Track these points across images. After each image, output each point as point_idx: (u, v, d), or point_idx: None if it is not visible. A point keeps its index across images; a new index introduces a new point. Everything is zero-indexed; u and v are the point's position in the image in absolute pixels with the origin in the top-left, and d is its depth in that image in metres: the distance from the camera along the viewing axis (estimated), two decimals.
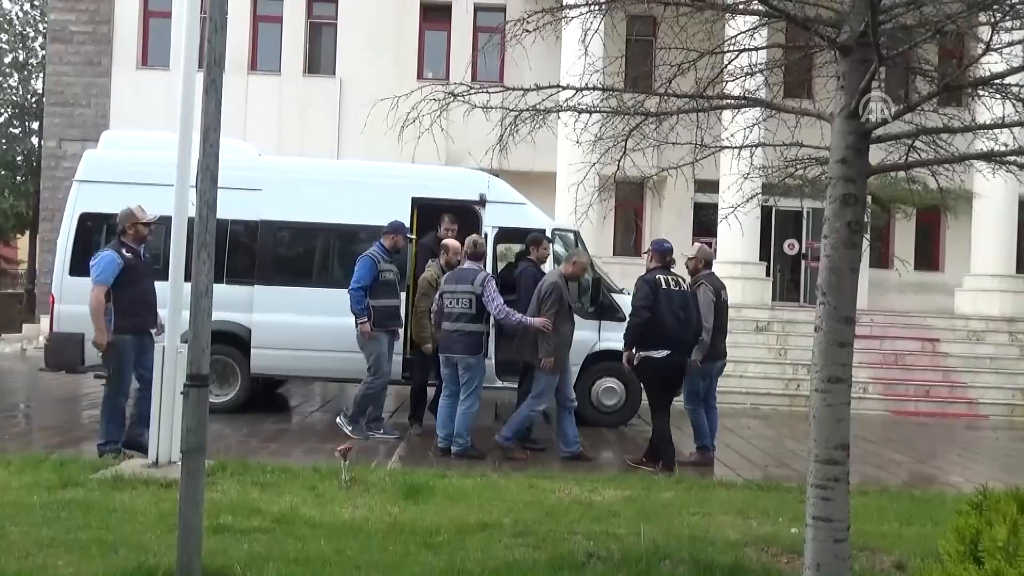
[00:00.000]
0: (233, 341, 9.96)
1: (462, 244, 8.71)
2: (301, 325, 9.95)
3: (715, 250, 17.00)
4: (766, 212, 14.49)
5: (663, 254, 8.01)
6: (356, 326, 8.70)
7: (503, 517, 5.69)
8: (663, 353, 7.69)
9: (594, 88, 5.25)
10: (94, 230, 10.29)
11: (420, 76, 19.16)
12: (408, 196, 10.18)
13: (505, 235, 10.62)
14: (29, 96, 25.77)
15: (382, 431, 8.93)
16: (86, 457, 7.23)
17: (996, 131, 4.50)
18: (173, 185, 6.64)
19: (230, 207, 8.54)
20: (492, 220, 10.32)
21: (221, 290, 8.61)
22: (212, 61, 4.11)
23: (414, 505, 5.96)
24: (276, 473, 6.69)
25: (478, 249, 8.36)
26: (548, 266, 9.24)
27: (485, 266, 8.68)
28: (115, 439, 7.34)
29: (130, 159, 10.27)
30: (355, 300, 8.69)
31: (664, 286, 7.77)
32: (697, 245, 8.74)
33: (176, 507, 4.16)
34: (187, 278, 4.95)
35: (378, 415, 9.05)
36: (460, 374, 8.12)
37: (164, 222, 7.42)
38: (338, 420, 8.96)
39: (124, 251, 7.45)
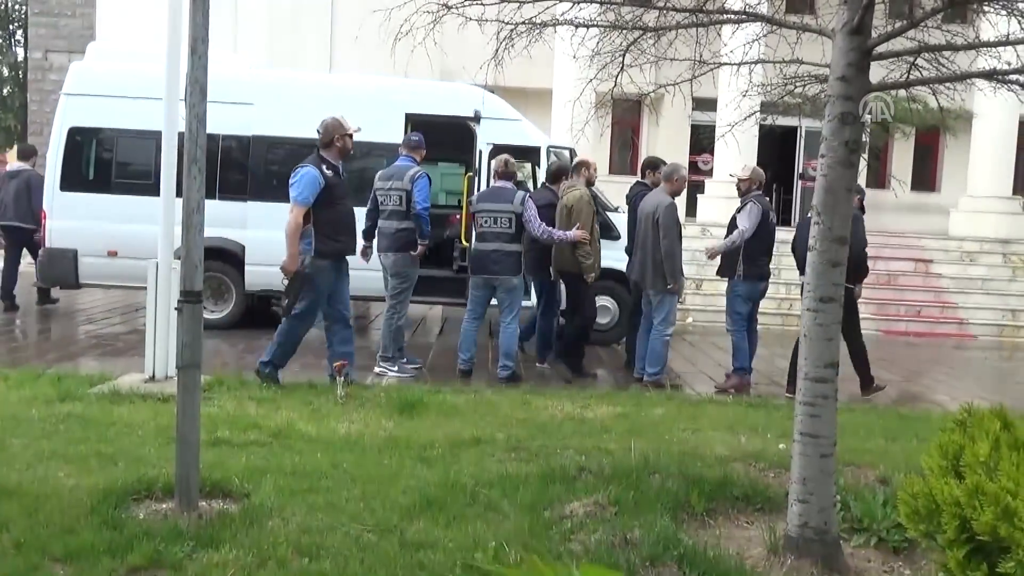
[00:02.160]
0: (227, 258, 9.94)
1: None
2: None
3: (711, 169, 16.93)
4: (764, 131, 14.36)
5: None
6: (416, 249, 7.99)
7: (496, 432, 5.78)
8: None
9: (592, 1, 5.12)
10: (83, 145, 10.18)
11: None
12: (402, 111, 10.05)
13: (499, 152, 10.49)
14: (11, 2, 25.11)
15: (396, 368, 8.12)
16: (83, 372, 7.29)
17: (1000, 49, 4.41)
18: (162, 99, 6.52)
19: (221, 122, 8.41)
20: (487, 137, 10.21)
21: (213, 206, 8.56)
22: None
23: (409, 420, 6.05)
24: (272, 389, 6.77)
25: (509, 168, 8.15)
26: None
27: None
28: (279, 365, 7.04)
29: (118, 71, 10.07)
30: (426, 222, 7.99)
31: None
32: (751, 166, 8.52)
33: (173, 421, 4.22)
34: (179, 194, 4.92)
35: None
36: (501, 296, 7.96)
37: (154, 136, 7.33)
38: (377, 369, 8.05)
39: (325, 168, 6.96)
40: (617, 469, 4.72)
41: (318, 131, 7.10)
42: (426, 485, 4.51)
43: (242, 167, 10.18)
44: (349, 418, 6.03)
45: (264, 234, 9.84)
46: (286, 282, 6.87)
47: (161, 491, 4.23)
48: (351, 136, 7.19)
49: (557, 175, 8.75)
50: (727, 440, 5.86)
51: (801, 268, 7.48)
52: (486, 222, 7.91)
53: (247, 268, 9.99)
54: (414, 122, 9.99)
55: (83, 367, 7.73)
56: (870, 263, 8.69)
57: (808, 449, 3.83)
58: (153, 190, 7.50)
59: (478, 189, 10.19)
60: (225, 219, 9.55)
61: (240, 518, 3.95)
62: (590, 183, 8.80)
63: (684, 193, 9.36)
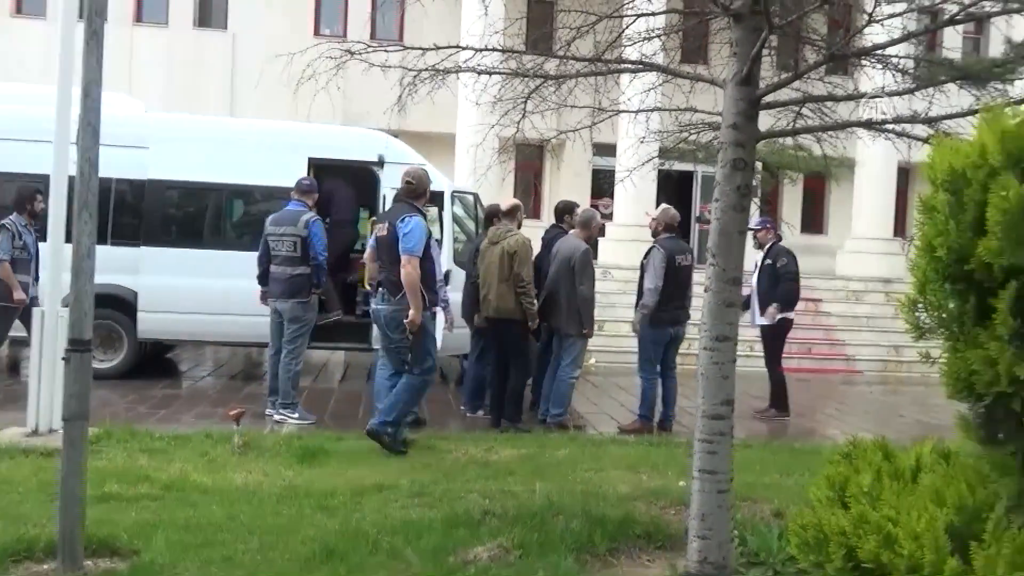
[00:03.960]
0: (118, 305, 9.57)
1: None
2: (191, 288, 9.63)
3: (611, 213, 17.31)
4: (662, 176, 14.81)
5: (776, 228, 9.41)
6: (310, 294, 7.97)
7: (400, 478, 5.70)
8: (793, 314, 9.32)
9: (494, 49, 5.23)
10: None
11: (316, 32, 18.64)
12: (305, 156, 9.93)
13: None
14: None
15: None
16: None
17: (877, 100, 4.69)
18: (52, 141, 6.31)
19: (114, 165, 8.16)
20: (391, 182, 10.16)
21: (105, 252, 8.26)
22: (93, 11, 3.89)
23: (309, 469, 5.91)
24: (165, 439, 6.52)
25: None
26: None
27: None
28: (398, 423, 6.70)
29: (6, 114, 9.68)
30: (324, 270, 8.06)
31: None
32: (662, 206, 8.63)
33: (57, 476, 4.01)
34: (68, 239, 4.73)
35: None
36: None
37: (42, 180, 7.06)
38: (276, 417, 7.88)
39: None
40: (521, 511, 4.71)
41: (410, 181, 6.72)
42: (327, 534, 4.40)
43: (136, 211, 9.87)
44: (247, 468, 5.85)
45: (158, 280, 9.56)
46: (410, 336, 6.57)
47: (43, 551, 4.00)
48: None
49: (489, 217, 8.68)
50: (629, 479, 5.93)
51: None
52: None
53: (140, 315, 9.64)
54: (317, 167, 9.91)
55: None
56: None
57: (706, 485, 3.91)
58: (41, 235, 7.20)
59: None
60: (117, 265, 9.20)
61: None
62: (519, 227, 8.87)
63: None
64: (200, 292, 9.62)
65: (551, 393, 8.11)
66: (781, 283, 9.19)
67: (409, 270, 6.42)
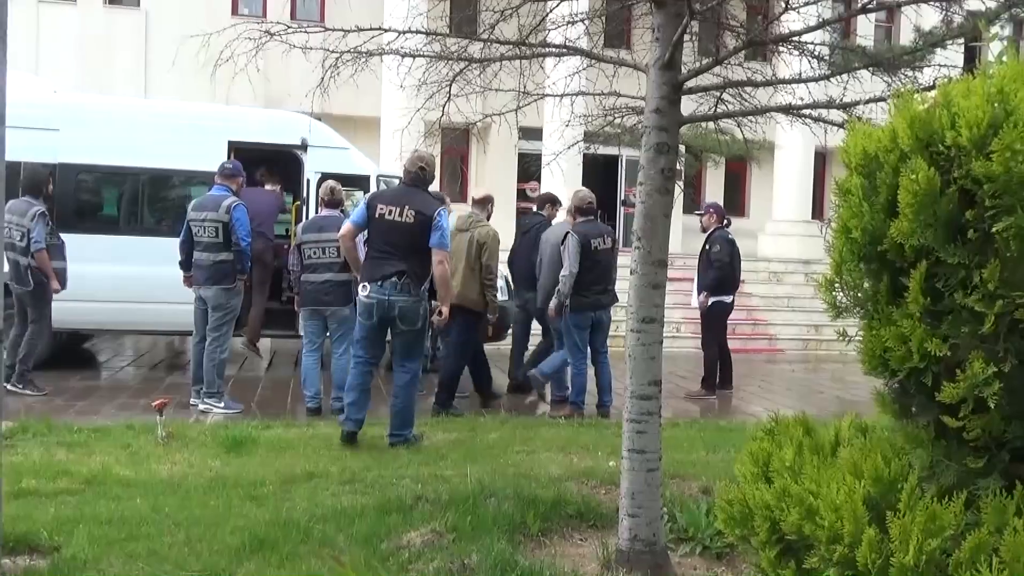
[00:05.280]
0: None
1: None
2: (107, 276, 9.34)
3: (538, 196, 17.35)
4: (588, 160, 14.92)
5: (723, 214, 9.74)
6: (235, 281, 7.78)
7: (330, 466, 5.66)
8: (730, 298, 9.63)
9: (417, 32, 5.18)
10: None
11: (235, 12, 18.20)
12: (224, 139, 9.71)
13: (328, 180, 10.37)
14: None
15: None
16: None
17: (794, 85, 4.81)
18: None
19: (22, 148, 7.84)
20: (315, 165, 10.05)
21: None
22: None
23: (237, 458, 5.82)
24: (85, 432, 6.33)
25: (335, 196, 7.89)
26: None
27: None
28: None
29: None
30: (247, 256, 7.84)
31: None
32: (577, 189, 8.66)
33: None
34: None
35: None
36: (333, 327, 7.68)
37: None
38: (201, 406, 7.72)
39: None
40: (454, 495, 4.73)
41: (424, 168, 6.41)
42: (256, 524, 4.34)
43: (46, 196, 9.50)
44: (172, 459, 5.73)
45: (73, 268, 9.23)
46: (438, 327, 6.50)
47: None
48: None
49: (482, 204, 8.44)
50: (560, 460, 6.00)
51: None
52: (313, 253, 7.65)
53: (55, 304, 9.30)
54: (237, 150, 9.69)
55: None
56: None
57: (636, 464, 3.98)
58: None
59: (306, 218, 10.01)
60: None
61: (49, 574, 3.66)
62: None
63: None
64: (117, 279, 9.34)
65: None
66: (711, 269, 9.40)
67: (446, 266, 6.25)
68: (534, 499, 4.65)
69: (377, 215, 6.27)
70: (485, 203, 8.36)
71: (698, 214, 10.29)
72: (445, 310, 6.27)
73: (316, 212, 10.03)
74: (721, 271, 9.43)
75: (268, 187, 10.47)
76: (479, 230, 7.92)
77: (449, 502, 4.61)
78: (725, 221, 9.77)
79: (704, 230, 9.76)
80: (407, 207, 6.23)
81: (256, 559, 3.91)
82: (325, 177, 10.07)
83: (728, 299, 9.64)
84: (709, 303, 9.46)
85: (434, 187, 8.61)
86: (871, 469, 2.44)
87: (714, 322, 9.63)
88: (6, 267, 7.91)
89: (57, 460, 5.58)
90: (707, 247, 9.56)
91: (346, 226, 6.59)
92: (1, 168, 3.81)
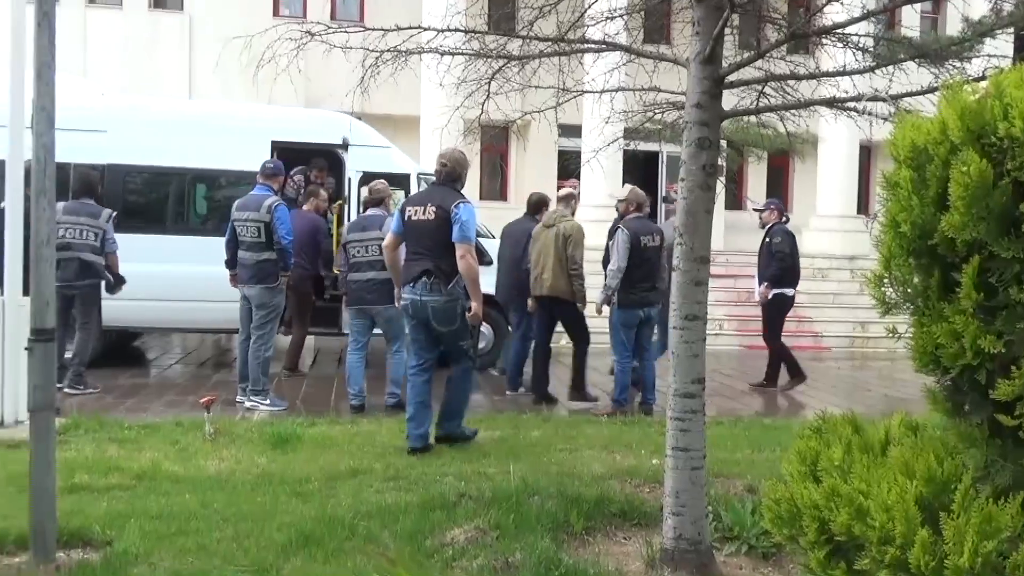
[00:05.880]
0: None
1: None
2: (155, 274, 9.50)
3: (579, 194, 17.31)
4: (628, 156, 14.85)
5: (783, 211, 9.92)
6: (278, 279, 7.86)
7: (374, 463, 5.70)
8: (791, 291, 9.74)
9: (456, 30, 5.19)
10: None
11: (276, 13, 18.38)
12: (267, 139, 9.83)
13: (369, 179, 10.45)
14: None
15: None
16: None
17: (838, 78, 4.73)
18: (5, 127, 6.18)
19: (72, 150, 8.01)
20: (356, 164, 10.13)
21: None
22: None
23: (283, 455, 5.89)
24: (135, 429, 6.46)
25: (374, 196, 7.95)
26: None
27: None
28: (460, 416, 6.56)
29: None
30: (289, 254, 7.92)
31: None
32: (629, 187, 8.65)
33: (26, 468, 3.95)
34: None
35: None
36: (382, 325, 7.73)
37: None
38: (247, 404, 7.79)
39: None
40: (497, 493, 4.74)
41: (445, 164, 6.33)
42: (302, 520, 4.39)
43: (95, 197, 9.69)
44: (219, 456, 5.81)
45: (122, 267, 9.39)
46: (472, 330, 6.34)
47: (14, 544, 3.96)
48: None
49: (539, 205, 9.04)
50: (603, 458, 5.98)
51: None
52: (358, 252, 7.72)
53: (105, 303, 9.49)
54: (280, 150, 9.80)
55: None
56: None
57: (679, 463, 3.95)
58: None
59: (348, 217, 10.09)
60: None
61: (102, 568, 3.74)
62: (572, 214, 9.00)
63: None
64: (165, 278, 9.51)
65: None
66: (772, 262, 9.42)
67: (469, 260, 6.09)
68: (577, 497, 4.64)
69: (407, 218, 6.30)
70: (568, 200, 8.80)
71: (757, 210, 10.27)
72: (474, 306, 6.18)
73: (359, 211, 10.16)
74: (783, 262, 9.47)
75: (310, 203, 9.74)
76: (564, 224, 8.32)
77: (492, 500, 4.62)
78: (784, 217, 9.85)
79: (763, 226, 9.82)
80: (429, 205, 6.22)
81: (302, 555, 3.96)
82: (367, 176, 10.18)
83: (790, 292, 9.69)
84: (770, 295, 9.48)
85: (473, 185, 8.67)
86: (923, 469, 2.39)
87: (775, 315, 9.63)
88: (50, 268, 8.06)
89: (108, 456, 5.69)
90: (767, 239, 9.60)
91: (388, 237, 6.59)
92: (51, 169, 3.91)
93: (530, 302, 8.54)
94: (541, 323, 8.58)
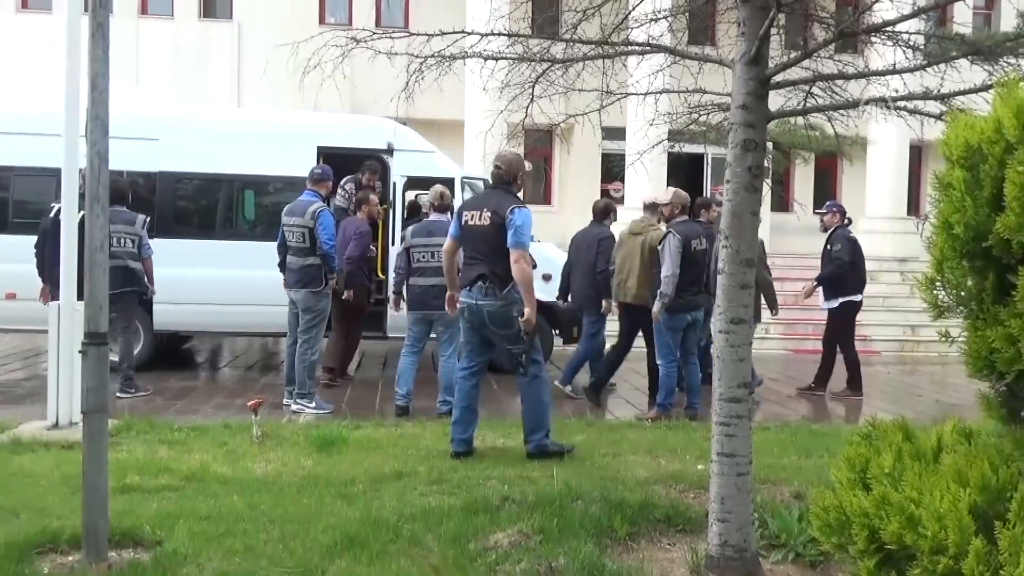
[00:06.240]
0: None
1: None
2: (205, 279, 9.69)
3: (623, 196, 17.25)
4: (672, 159, 14.73)
5: (844, 213, 9.74)
6: (324, 284, 7.96)
7: (418, 466, 5.73)
8: (859, 297, 9.54)
9: (499, 34, 5.20)
10: None
11: (322, 21, 18.60)
12: (314, 145, 9.96)
13: (413, 184, 10.53)
14: None
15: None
16: None
17: (888, 77, 4.64)
18: (60, 135, 6.33)
19: (125, 158, 8.20)
20: (401, 169, 10.21)
21: None
22: (97, 3, 3.90)
23: (328, 457, 5.94)
24: (184, 431, 6.57)
25: (444, 201, 7.91)
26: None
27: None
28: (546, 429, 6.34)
29: (13, 108, 9.74)
30: (333, 259, 8.04)
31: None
32: (672, 190, 8.59)
33: (79, 469, 4.04)
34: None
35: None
36: (439, 330, 7.72)
37: (53, 174, 7.09)
38: (294, 407, 7.92)
39: None
40: (540, 497, 4.73)
41: (500, 167, 6.26)
42: (347, 523, 4.42)
43: (148, 204, 9.91)
44: (266, 458, 5.89)
45: (173, 272, 9.58)
46: (525, 336, 6.18)
47: (67, 543, 4.05)
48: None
49: (605, 212, 9.16)
50: (647, 463, 5.93)
51: None
52: (422, 257, 7.65)
53: (156, 307, 9.70)
54: (326, 155, 9.92)
55: None
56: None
57: (725, 468, 3.90)
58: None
59: (392, 222, 10.16)
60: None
61: (152, 567, 3.81)
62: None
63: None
64: (214, 283, 9.68)
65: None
66: (831, 267, 9.39)
67: (523, 265, 6.01)
68: (621, 502, 4.60)
69: (463, 223, 6.27)
70: (655, 208, 8.69)
71: (819, 213, 10.17)
72: (527, 311, 6.10)
73: (403, 215, 10.23)
74: (839, 268, 9.35)
75: (363, 211, 9.47)
76: (652, 233, 8.38)
77: (535, 504, 4.61)
78: (846, 220, 9.72)
79: (825, 229, 9.72)
80: (484, 209, 6.17)
81: (347, 557, 3.98)
82: (411, 181, 10.26)
83: (857, 298, 9.57)
84: (838, 303, 9.42)
85: (646, 196, 8.75)
86: (977, 476, 2.33)
87: (842, 321, 9.53)
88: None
89: (159, 457, 5.80)
90: (828, 246, 9.53)
91: (448, 242, 6.51)
92: (105, 177, 4.00)
93: (606, 303, 8.65)
94: (622, 329, 8.72)
